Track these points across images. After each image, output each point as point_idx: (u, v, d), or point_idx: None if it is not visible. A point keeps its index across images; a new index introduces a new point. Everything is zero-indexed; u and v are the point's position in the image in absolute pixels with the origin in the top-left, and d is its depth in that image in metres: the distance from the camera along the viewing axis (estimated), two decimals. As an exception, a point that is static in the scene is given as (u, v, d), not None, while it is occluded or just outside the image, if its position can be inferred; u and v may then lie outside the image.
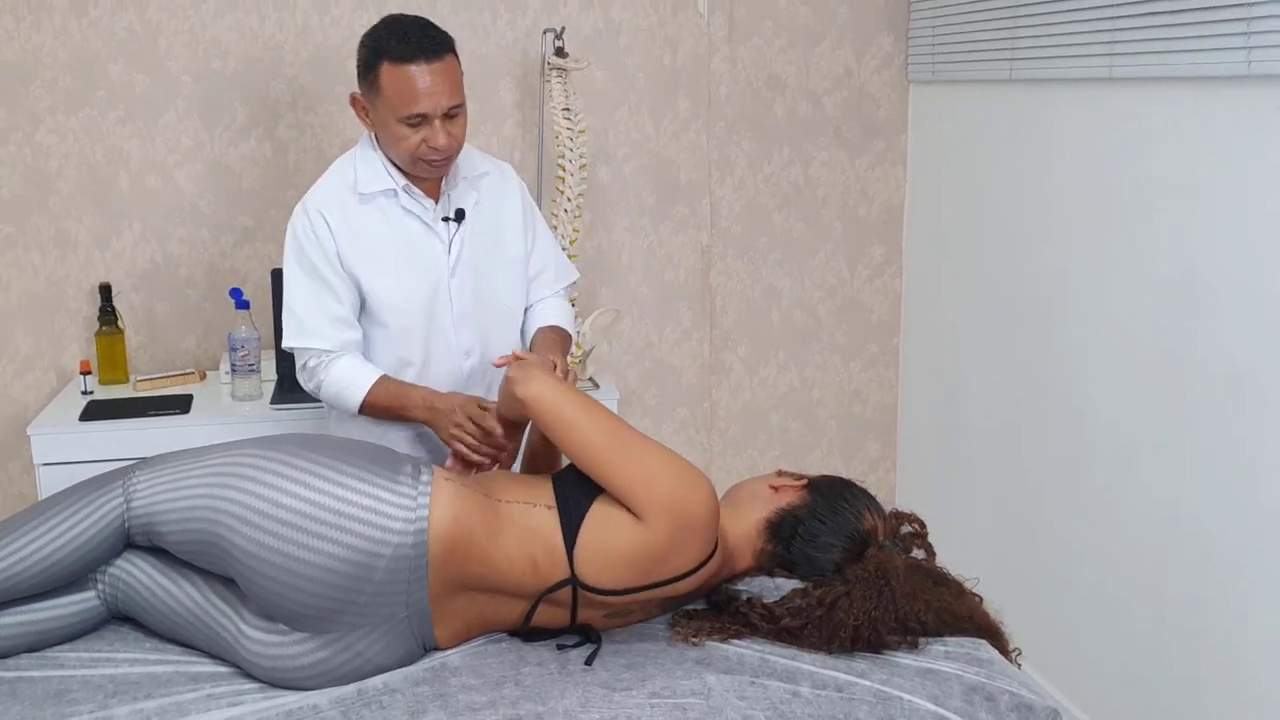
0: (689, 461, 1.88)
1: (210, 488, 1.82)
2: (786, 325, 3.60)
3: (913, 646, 1.88)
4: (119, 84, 3.04)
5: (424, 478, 1.85)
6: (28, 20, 2.96)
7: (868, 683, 1.79)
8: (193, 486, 1.83)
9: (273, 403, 2.85)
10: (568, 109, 2.99)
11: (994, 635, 1.96)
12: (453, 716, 1.71)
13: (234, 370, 2.88)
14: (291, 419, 2.78)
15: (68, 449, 2.70)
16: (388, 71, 2.05)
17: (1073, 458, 2.85)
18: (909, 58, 3.50)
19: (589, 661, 1.85)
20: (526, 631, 1.92)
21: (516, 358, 2.04)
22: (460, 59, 2.14)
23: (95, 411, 2.80)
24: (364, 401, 2.16)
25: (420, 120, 2.07)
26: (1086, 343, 2.78)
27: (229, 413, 2.82)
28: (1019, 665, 1.98)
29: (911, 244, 3.61)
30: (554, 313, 2.38)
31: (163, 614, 1.91)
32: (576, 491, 1.87)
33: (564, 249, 3.02)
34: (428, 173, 2.16)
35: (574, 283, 2.50)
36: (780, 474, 2.07)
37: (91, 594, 1.93)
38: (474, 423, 2.07)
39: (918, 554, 1.99)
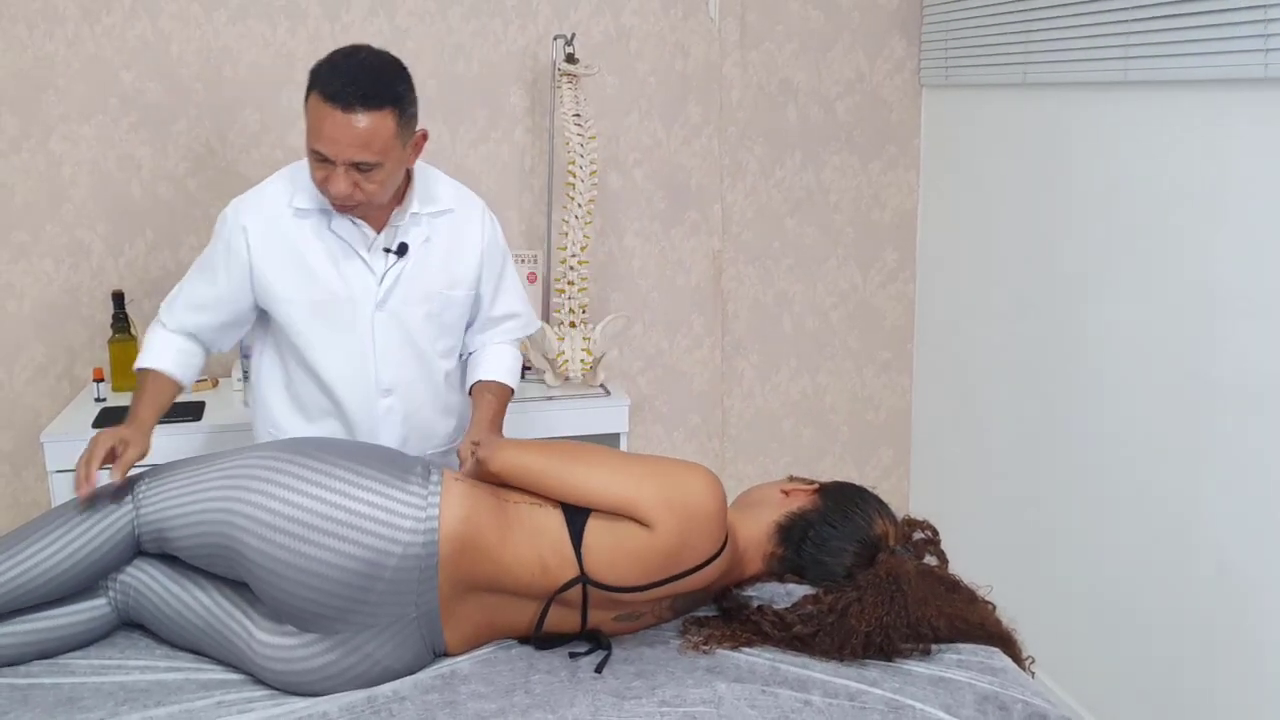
0: (684, 460, 1.89)
1: (224, 490, 1.82)
2: (799, 331, 3.58)
3: (925, 654, 1.87)
4: (131, 92, 3.05)
5: (434, 478, 1.86)
6: (41, 29, 2.97)
7: (880, 691, 1.78)
8: (204, 492, 1.84)
9: (284, 409, 2.85)
10: (578, 115, 2.99)
11: (1007, 643, 1.94)
12: (462, 725, 1.71)
13: (246, 377, 2.88)
14: (303, 426, 2.77)
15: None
16: (311, 100, 1.95)
17: (1088, 466, 2.83)
18: (922, 62, 3.48)
19: (599, 669, 1.84)
20: (538, 639, 1.92)
21: (473, 446, 2.05)
22: (409, 116, 2.00)
23: (108, 419, 2.80)
24: (136, 369, 2.18)
25: (324, 159, 1.97)
26: (1102, 349, 2.76)
27: (241, 419, 2.82)
28: (1032, 674, 1.97)
29: (925, 249, 3.59)
30: (499, 362, 2.32)
31: (173, 620, 1.91)
32: None
33: (574, 254, 3.02)
34: (335, 209, 2.07)
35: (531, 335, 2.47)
36: (791, 479, 2.07)
37: (103, 601, 1.93)
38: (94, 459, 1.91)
39: (930, 561, 1.98)
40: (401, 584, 1.79)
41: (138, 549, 1.91)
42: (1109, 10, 2.62)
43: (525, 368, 3.21)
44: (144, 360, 2.17)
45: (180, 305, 2.20)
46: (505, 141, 3.26)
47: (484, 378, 2.30)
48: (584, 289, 3.07)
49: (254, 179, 3.13)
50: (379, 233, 2.13)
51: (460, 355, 2.35)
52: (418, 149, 2.08)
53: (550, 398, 3.02)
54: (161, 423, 2.76)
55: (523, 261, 3.28)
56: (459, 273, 2.22)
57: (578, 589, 1.85)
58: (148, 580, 1.92)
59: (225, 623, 1.86)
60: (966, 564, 2.10)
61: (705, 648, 1.89)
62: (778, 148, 3.46)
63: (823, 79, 3.45)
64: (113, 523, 1.87)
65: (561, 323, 3.05)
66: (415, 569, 1.79)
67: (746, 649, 1.90)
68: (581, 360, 3.01)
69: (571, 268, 3.04)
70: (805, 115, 3.46)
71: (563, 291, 3.06)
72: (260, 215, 2.12)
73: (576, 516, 1.85)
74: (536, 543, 1.84)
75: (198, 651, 1.93)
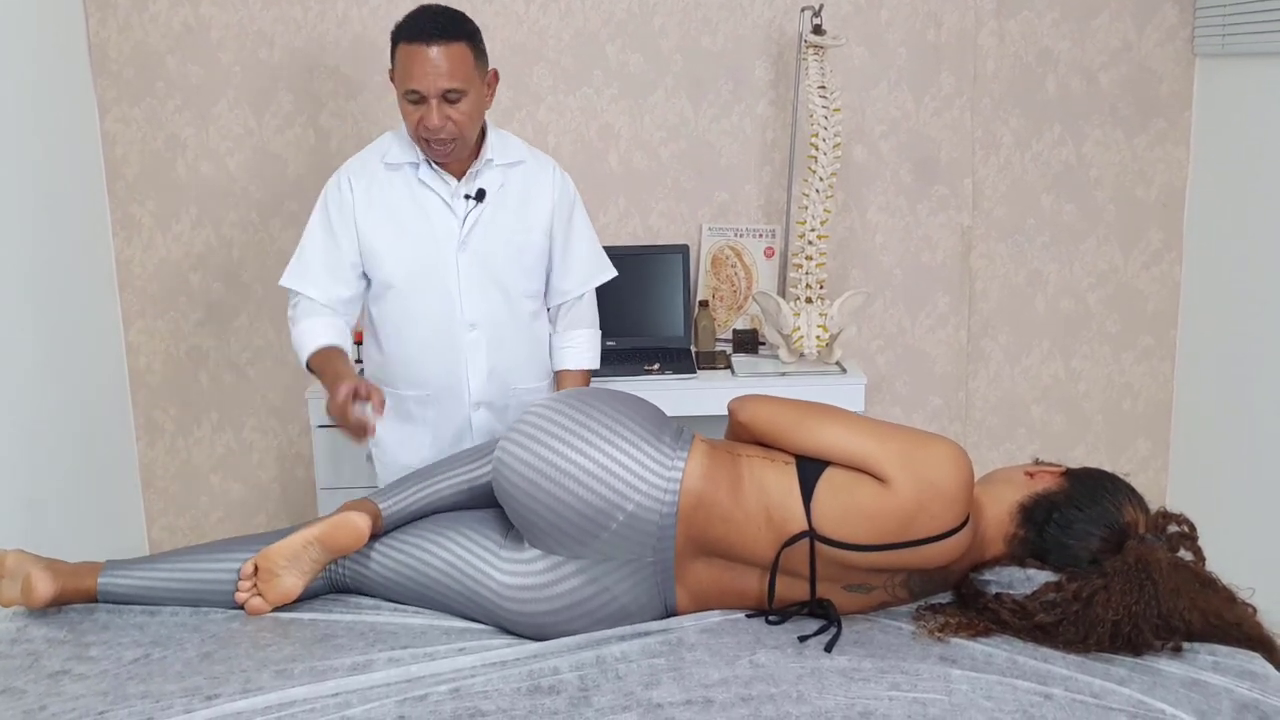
0: (935, 433, 1.87)
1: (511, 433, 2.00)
2: (1052, 313, 3.43)
3: (1176, 650, 1.75)
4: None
5: (685, 437, 1.96)
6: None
7: (1127, 691, 1.69)
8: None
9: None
10: (823, 87, 2.95)
11: (1269, 648, 1.80)
12: (686, 691, 1.73)
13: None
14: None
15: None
16: (400, 49, 2.22)
17: (1375, 465, 2.59)
18: (1196, 29, 3.26)
19: (829, 648, 1.82)
20: (768, 610, 1.91)
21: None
22: (482, 51, 2.25)
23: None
24: (308, 359, 2.28)
25: (419, 98, 2.20)
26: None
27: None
28: (1298, 685, 1.81)
29: (1193, 229, 3.37)
30: (580, 347, 2.49)
31: (408, 576, 2.03)
32: None
33: (814, 229, 2.98)
34: (430, 153, 2.28)
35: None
36: (1037, 462, 2.01)
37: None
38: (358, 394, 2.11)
39: (1184, 556, 1.86)
40: (640, 525, 1.87)
41: None
42: None
43: (759, 342, 3.21)
44: (312, 344, 2.27)
45: (323, 275, 2.32)
46: (748, 115, 3.25)
47: (564, 365, 2.49)
48: (822, 264, 3.02)
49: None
50: (460, 180, 2.32)
51: (548, 308, 2.50)
52: (492, 88, 2.31)
53: (784, 374, 3.00)
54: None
55: (760, 236, 3.26)
56: (533, 218, 2.39)
57: (805, 557, 1.84)
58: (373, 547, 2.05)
59: (469, 560, 1.97)
60: (1227, 566, 1.95)
61: (940, 635, 1.85)
62: (1035, 120, 3.31)
63: (1086, 48, 3.27)
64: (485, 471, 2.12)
65: (798, 298, 3.02)
66: (655, 514, 1.87)
67: (984, 639, 1.84)
68: (817, 337, 2.97)
69: (810, 242, 3.00)
70: (1065, 86, 3.29)
71: (800, 266, 3.02)
72: (360, 171, 2.35)
73: (811, 472, 1.86)
74: (763, 497, 1.87)
75: (433, 607, 2.04)
